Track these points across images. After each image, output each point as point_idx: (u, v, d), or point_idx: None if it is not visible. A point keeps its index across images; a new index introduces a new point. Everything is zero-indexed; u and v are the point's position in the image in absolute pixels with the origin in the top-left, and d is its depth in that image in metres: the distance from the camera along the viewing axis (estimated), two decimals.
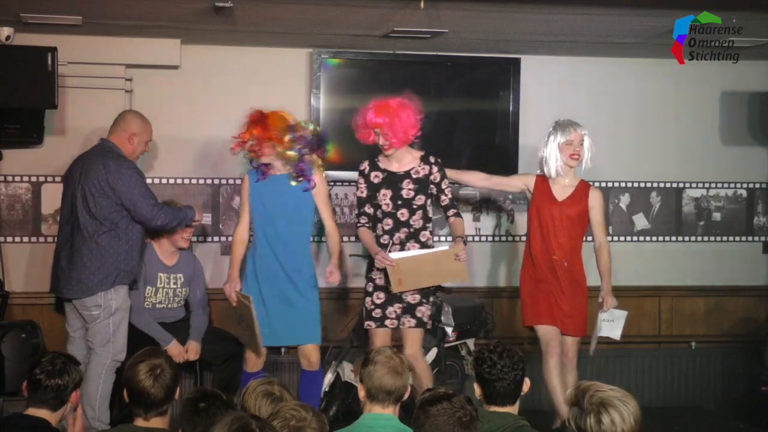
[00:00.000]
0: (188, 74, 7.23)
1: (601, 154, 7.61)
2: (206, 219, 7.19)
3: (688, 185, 7.92)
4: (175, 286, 6.63)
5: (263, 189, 6.14)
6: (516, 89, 7.41)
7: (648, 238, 7.89)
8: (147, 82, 7.16)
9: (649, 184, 7.88)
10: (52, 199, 6.86)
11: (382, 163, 6.18)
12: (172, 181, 7.19)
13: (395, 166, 6.16)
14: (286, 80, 7.32)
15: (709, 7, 5.64)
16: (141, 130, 6.29)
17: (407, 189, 6.13)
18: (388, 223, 6.12)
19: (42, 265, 6.71)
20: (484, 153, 7.49)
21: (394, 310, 6.10)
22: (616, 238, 7.79)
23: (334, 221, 6.27)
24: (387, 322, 6.11)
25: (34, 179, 7.04)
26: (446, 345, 6.88)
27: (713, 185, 7.95)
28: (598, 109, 7.71)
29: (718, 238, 7.96)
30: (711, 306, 7.95)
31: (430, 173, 6.15)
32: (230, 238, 7.25)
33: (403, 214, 6.12)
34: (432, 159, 6.18)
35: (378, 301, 6.12)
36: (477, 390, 4.30)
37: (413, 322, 6.10)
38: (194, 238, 7.16)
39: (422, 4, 5.67)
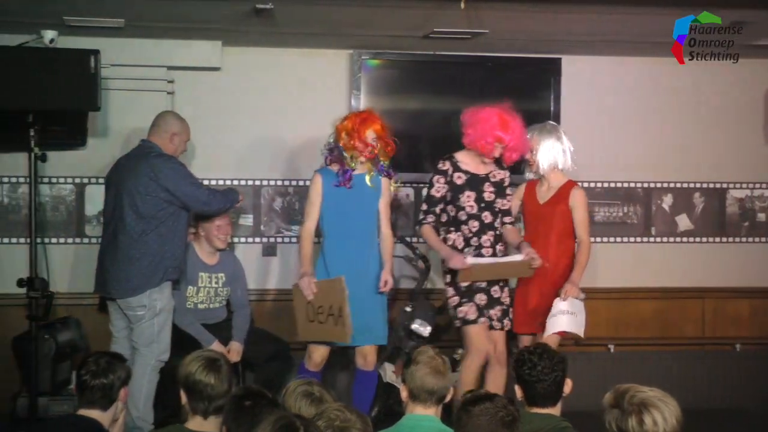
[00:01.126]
0: (229, 76, 7.29)
1: (643, 155, 7.64)
2: (248, 219, 7.29)
3: (732, 186, 7.88)
4: (216, 286, 6.69)
5: (338, 190, 6.07)
6: (556, 90, 7.41)
7: (691, 239, 7.85)
8: (188, 83, 7.23)
9: (692, 185, 7.85)
10: (95, 200, 6.95)
11: (464, 164, 6.18)
12: (213, 182, 7.21)
13: (477, 168, 6.17)
14: (326, 81, 7.36)
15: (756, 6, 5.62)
16: (181, 130, 6.37)
17: (488, 192, 6.16)
18: (474, 225, 6.13)
19: (86, 266, 6.77)
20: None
21: (496, 312, 6.14)
22: (659, 239, 7.78)
23: (390, 226, 6.28)
24: (493, 324, 6.16)
25: (77, 181, 7.12)
26: None
27: (758, 186, 7.91)
28: (640, 109, 7.70)
29: (763, 239, 7.91)
30: (756, 308, 7.90)
31: (504, 178, 6.23)
32: (271, 239, 7.38)
33: (486, 216, 6.15)
34: (503, 165, 6.25)
35: (481, 303, 6.11)
36: (518, 391, 4.31)
37: (509, 325, 6.20)
38: (235, 239, 7.25)
39: (462, 5, 5.67)
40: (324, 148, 6.18)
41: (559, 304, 6.13)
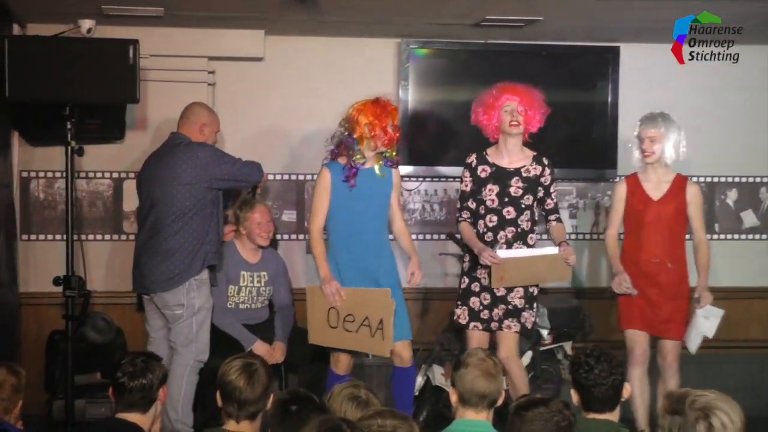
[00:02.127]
0: (272, 66, 7.29)
1: (706, 148, 7.53)
2: (290, 216, 7.28)
3: None
4: (258, 285, 6.68)
5: (347, 184, 6.00)
6: (615, 80, 7.36)
7: (757, 236, 7.75)
8: (230, 74, 7.24)
9: (758, 179, 7.73)
10: (133, 195, 6.91)
11: (492, 156, 6.13)
12: None
13: (505, 161, 6.11)
14: (373, 72, 7.34)
15: None
16: (210, 120, 6.40)
17: (515, 186, 6.08)
18: (492, 219, 6.07)
19: (123, 264, 6.81)
20: (580, 147, 7.44)
21: (498, 312, 6.07)
22: (722, 236, 7.68)
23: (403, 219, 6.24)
24: (492, 325, 6.08)
25: (115, 175, 7.17)
26: (541, 348, 6.85)
27: None
28: (703, 100, 7.60)
29: None
30: None
31: (542, 174, 6.12)
32: None
33: (509, 212, 6.08)
34: (545, 160, 6.15)
35: (485, 302, 6.07)
36: (574, 396, 4.27)
37: (517, 327, 6.06)
38: (278, 236, 7.24)
39: None
40: (330, 140, 6.11)
41: (698, 313, 6.21)
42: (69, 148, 6.12)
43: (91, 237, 7.09)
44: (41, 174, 7.13)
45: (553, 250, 6.04)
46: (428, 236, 7.49)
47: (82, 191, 7.11)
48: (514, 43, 7.29)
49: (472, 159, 6.14)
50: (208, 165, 6.13)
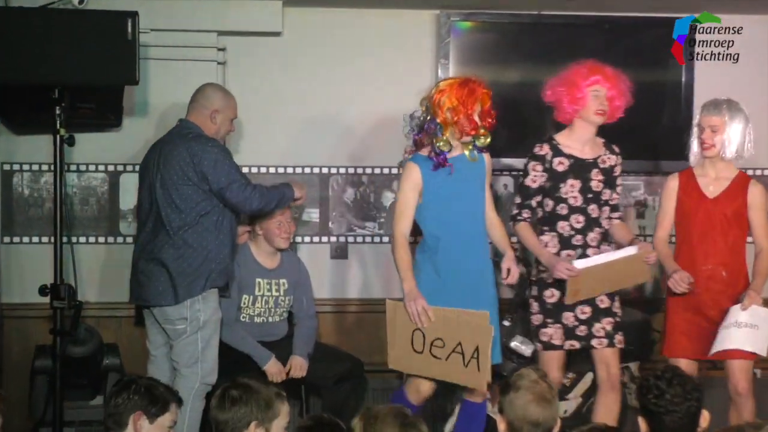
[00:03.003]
0: (291, 42, 7.30)
1: None
2: (313, 215, 7.29)
3: None
4: (277, 294, 6.69)
5: (440, 176, 5.90)
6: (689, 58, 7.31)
7: None
8: (243, 51, 7.26)
9: None
10: (131, 191, 6.95)
11: (566, 146, 6.11)
12: (272, 170, 7.26)
13: (582, 151, 6.11)
14: (407, 48, 7.34)
15: None
16: (224, 106, 6.36)
17: (596, 180, 6.08)
18: (579, 220, 6.06)
19: (120, 271, 6.78)
20: (648, 135, 7.41)
21: (603, 326, 6.07)
22: None
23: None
24: (594, 342, 6.07)
25: (111, 168, 7.18)
26: None
27: None
28: None
29: None
30: None
31: (615, 165, 6.15)
32: (341, 239, 7.37)
33: (593, 210, 6.08)
34: (616, 149, 6.17)
35: (583, 317, 6.05)
36: (642, 425, 4.27)
37: (623, 340, 6.11)
38: (299, 238, 7.25)
39: None
40: (411, 125, 6.06)
41: (738, 314, 6.00)
42: (58, 136, 6.11)
43: (83, 239, 7.12)
44: (25, 167, 7.16)
45: (630, 250, 6.02)
46: None
47: (72, 186, 7.14)
48: (571, 15, 7.29)
49: (546, 150, 6.09)
50: (204, 164, 6.08)
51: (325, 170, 7.40)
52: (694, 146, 6.25)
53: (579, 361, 6.45)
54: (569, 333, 6.05)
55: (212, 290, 6.19)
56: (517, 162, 7.09)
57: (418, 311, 5.72)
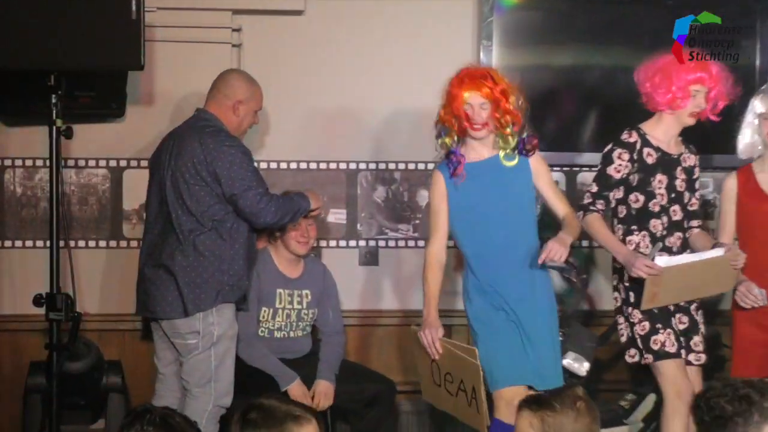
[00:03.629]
0: (315, 22, 7.27)
1: None
2: (339, 216, 7.26)
3: None
4: (299, 307, 6.67)
5: (467, 184, 5.92)
6: (765, 37, 7.30)
7: None
8: (261, 33, 7.24)
9: None
10: (136, 189, 6.95)
11: (653, 138, 6.10)
12: (293, 165, 7.23)
13: (669, 146, 6.11)
14: (445, 28, 7.29)
15: None
16: (248, 96, 6.35)
17: (680, 179, 6.10)
18: (664, 221, 6.08)
19: (124, 279, 6.81)
20: (718, 126, 7.32)
21: (700, 340, 6.09)
22: None
23: (569, 204, 6.08)
24: (692, 357, 6.09)
25: (113, 164, 7.16)
26: None
27: None
28: None
29: None
30: None
31: (694, 166, 6.17)
32: (371, 243, 7.33)
33: (675, 212, 6.09)
34: (693, 148, 6.19)
35: (682, 326, 6.06)
36: None
37: (705, 358, 6.16)
38: (323, 242, 7.22)
39: None
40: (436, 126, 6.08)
41: None
42: (54, 128, 6.10)
43: (82, 243, 7.11)
44: (18, 162, 7.15)
45: (716, 252, 5.99)
46: None
47: (70, 184, 7.12)
48: None
49: (635, 138, 6.07)
50: (218, 164, 6.07)
51: (352, 166, 7.37)
52: (747, 137, 6.23)
53: (639, 379, 6.49)
54: (680, 338, 6.06)
55: (227, 304, 6.18)
56: (571, 157, 7.05)
57: (429, 342, 5.86)
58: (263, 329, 6.61)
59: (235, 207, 6.14)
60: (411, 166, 7.31)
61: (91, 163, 7.18)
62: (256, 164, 6.41)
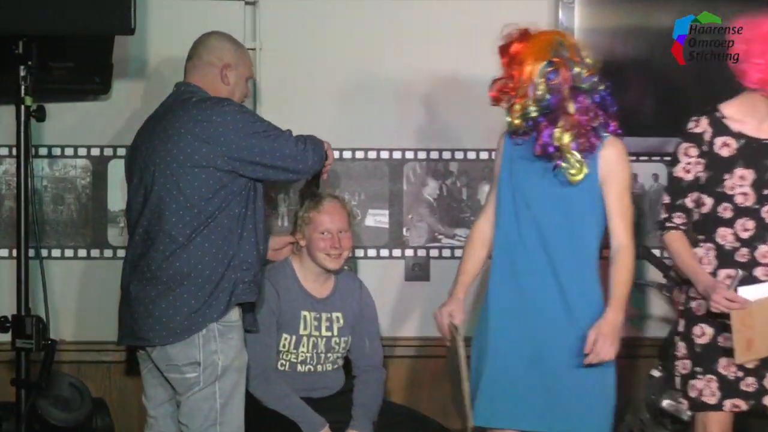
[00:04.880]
0: None
1: None
2: (380, 219, 7.25)
3: None
4: (328, 334, 6.69)
5: (519, 159, 5.95)
6: None
7: None
8: None
9: None
10: (125, 185, 6.86)
11: (734, 121, 6.10)
12: None
13: (759, 130, 6.10)
14: None
15: None
16: (237, 59, 6.39)
17: None
18: (747, 227, 6.05)
19: (109, 297, 6.75)
20: None
21: (754, 381, 6.03)
22: None
23: (631, 233, 5.98)
24: (766, 400, 6.11)
25: (95, 152, 7.25)
26: None
27: None
28: None
29: None
30: None
31: None
32: (419, 252, 7.31)
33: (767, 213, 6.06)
34: None
35: (749, 365, 6.05)
36: None
37: None
38: (359, 251, 7.24)
39: None
40: None
41: None
42: (23, 108, 6.16)
43: (56, 253, 7.17)
44: None
45: None
46: None
47: (43, 178, 7.16)
48: None
49: (703, 127, 6.09)
50: (230, 137, 6.08)
51: (397, 155, 7.40)
52: None
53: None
54: (729, 388, 6.05)
55: (233, 326, 6.13)
56: (671, 143, 7.01)
57: (440, 320, 6.08)
58: (284, 362, 6.63)
59: (266, 172, 6.17)
60: (471, 155, 7.34)
61: (69, 151, 7.23)
62: None
